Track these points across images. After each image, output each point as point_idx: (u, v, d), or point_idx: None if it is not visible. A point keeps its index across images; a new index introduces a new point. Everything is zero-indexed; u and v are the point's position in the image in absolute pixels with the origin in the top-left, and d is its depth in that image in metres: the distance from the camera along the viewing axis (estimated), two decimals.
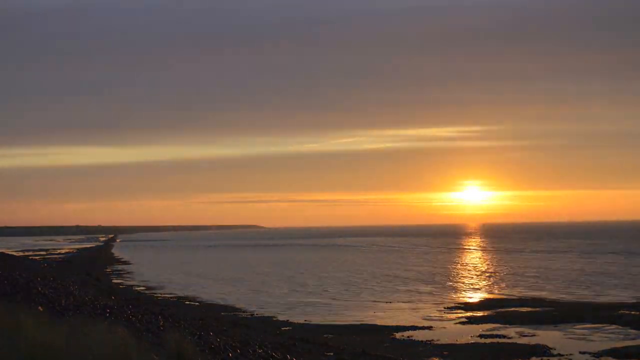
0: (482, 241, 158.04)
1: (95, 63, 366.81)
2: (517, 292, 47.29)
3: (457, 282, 57.07)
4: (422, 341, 28.26)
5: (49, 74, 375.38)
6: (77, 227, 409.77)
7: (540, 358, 24.76)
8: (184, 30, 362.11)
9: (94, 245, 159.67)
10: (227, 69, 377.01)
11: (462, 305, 40.17)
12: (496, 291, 48.94)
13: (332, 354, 24.75)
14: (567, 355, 25.10)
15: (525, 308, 38.37)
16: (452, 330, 31.41)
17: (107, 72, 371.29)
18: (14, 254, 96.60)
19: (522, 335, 29.53)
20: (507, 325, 32.21)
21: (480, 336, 29.26)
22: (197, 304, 43.14)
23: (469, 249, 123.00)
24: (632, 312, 34.97)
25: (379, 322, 33.89)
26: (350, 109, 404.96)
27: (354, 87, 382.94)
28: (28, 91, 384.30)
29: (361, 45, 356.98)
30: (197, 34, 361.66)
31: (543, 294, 45.45)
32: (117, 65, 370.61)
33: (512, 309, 38.28)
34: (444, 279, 60.08)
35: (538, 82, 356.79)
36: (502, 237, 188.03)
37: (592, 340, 27.98)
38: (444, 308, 39.52)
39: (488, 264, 78.99)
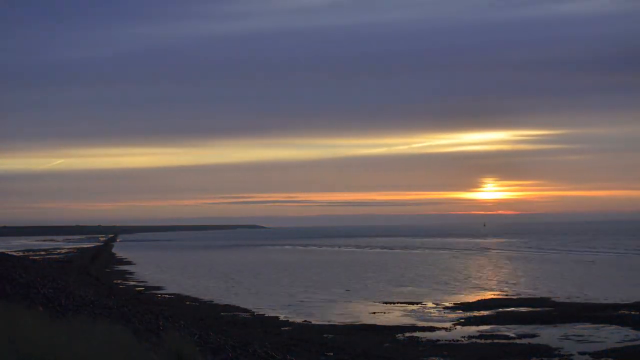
0: (507, 241, 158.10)
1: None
2: (517, 292, 47.30)
3: (458, 283, 57.05)
4: (422, 341, 28.25)
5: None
6: (77, 227, 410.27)
7: (540, 358, 24.75)
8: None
9: (93, 245, 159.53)
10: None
11: (462, 305, 40.14)
12: (497, 291, 48.92)
13: (332, 354, 24.75)
14: (567, 355, 25.10)
15: (525, 308, 38.37)
16: (452, 330, 31.39)
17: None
18: (14, 254, 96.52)
19: (522, 335, 29.51)
20: (507, 325, 32.21)
21: (480, 336, 29.24)
22: (197, 304, 43.13)
23: (491, 249, 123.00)
24: (632, 312, 34.96)
25: (379, 322, 33.88)
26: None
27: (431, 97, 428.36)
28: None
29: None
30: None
31: (543, 294, 45.45)
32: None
33: (512, 309, 38.29)
34: (446, 280, 60.10)
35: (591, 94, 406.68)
36: (542, 236, 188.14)
37: (592, 341, 27.97)
38: (444, 308, 39.52)
39: (501, 265, 79.04)
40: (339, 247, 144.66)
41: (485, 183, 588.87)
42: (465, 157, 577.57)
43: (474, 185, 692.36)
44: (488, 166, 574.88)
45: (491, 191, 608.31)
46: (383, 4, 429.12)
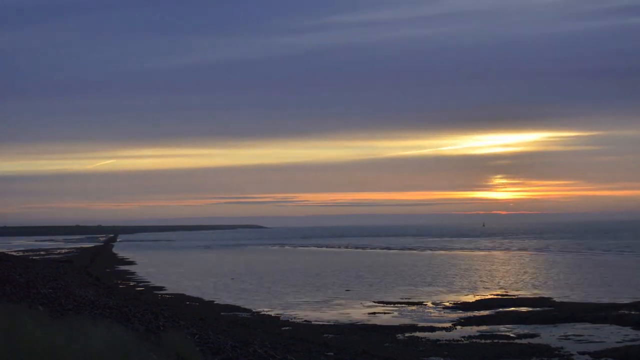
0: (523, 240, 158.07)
1: None
2: (518, 292, 47.32)
3: (459, 283, 57.07)
4: (422, 341, 28.27)
5: None
6: (77, 227, 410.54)
7: (540, 358, 24.75)
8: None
9: (94, 245, 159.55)
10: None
11: (462, 305, 40.16)
12: (497, 291, 48.92)
13: (332, 354, 24.76)
14: (567, 355, 25.10)
15: (525, 308, 38.37)
16: (452, 330, 31.40)
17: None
18: (14, 254, 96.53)
19: (522, 335, 29.53)
20: (507, 325, 32.22)
21: (481, 336, 29.25)
22: (197, 304, 43.13)
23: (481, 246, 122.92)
24: (632, 312, 34.95)
25: (379, 322, 33.90)
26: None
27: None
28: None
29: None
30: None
31: (543, 294, 45.46)
32: None
33: (512, 308, 38.29)
34: (446, 280, 60.11)
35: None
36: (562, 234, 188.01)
37: (592, 341, 27.98)
38: (444, 308, 39.52)
39: (502, 265, 79.05)
40: (340, 247, 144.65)
41: (506, 183, 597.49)
42: (490, 157, 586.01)
43: (492, 186, 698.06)
44: (514, 166, 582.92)
45: (513, 191, 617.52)
46: (437, 19, 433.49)
